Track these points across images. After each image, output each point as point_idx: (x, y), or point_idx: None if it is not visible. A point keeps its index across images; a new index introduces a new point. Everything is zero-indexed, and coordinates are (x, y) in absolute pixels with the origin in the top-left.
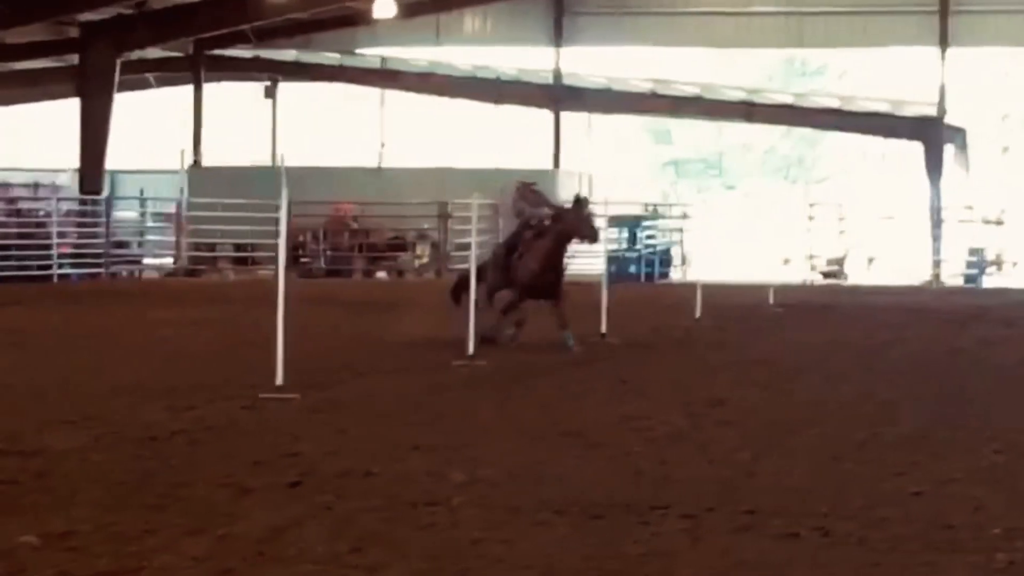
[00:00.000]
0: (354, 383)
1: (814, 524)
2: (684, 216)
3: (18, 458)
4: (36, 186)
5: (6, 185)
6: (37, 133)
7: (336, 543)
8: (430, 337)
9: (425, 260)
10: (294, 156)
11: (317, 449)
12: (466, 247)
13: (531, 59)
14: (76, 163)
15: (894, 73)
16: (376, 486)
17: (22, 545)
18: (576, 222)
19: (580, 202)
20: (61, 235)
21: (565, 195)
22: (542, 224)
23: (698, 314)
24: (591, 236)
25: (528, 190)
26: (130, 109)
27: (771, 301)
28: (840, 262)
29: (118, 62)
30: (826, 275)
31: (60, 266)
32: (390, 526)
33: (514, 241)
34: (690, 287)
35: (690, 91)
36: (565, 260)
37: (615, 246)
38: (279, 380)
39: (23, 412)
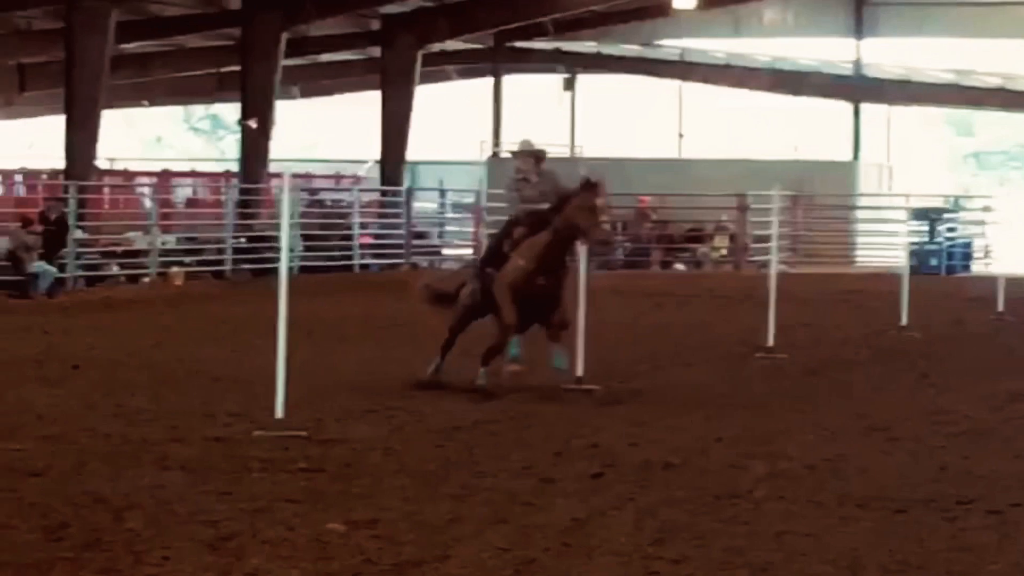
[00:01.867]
0: (653, 375)
1: None
2: (986, 209)
3: (323, 447)
4: (338, 177)
5: (308, 176)
6: (339, 125)
7: (639, 535)
8: (728, 330)
9: (723, 252)
10: (592, 148)
11: (618, 441)
12: (765, 239)
13: (830, 50)
14: (377, 154)
15: None
16: (677, 478)
17: (329, 532)
18: (576, 212)
19: (590, 187)
20: (362, 226)
21: (866, 187)
22: (538, 215)
23: (1001, 307)
24: (590, 232)
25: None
26: (430, 101)
27: None
28: None
29: (419, 54)
30: None
31: (361, 256)
32: (692, 518)
33: (501, 236)
34: (992, 280)
35: (992, 82)
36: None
37: (916, 239)
38: (580, 371)
39: (326, 402)
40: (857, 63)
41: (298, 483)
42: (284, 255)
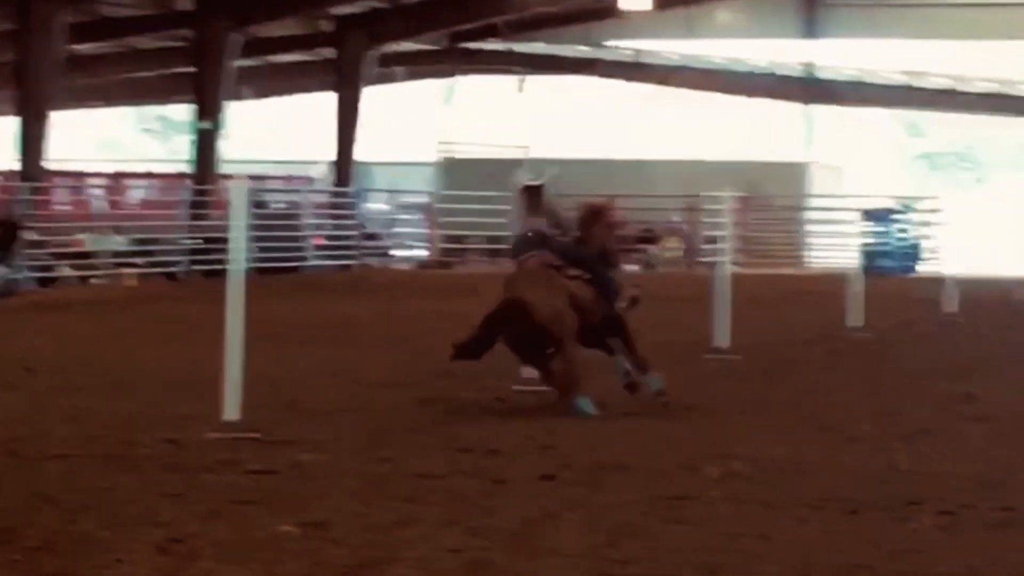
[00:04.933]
0: (605, 377)
1: None
2: (935, 210)
3: (276, 449)
4: (289, 178)
5: (261, 177)
6: (292, 126)
7: (591, 536)
8: (677, 331)
9: (675, 253)
10: (543, 148)
11: (570, 442)
12: (716, 240)
13: (783, 52)
14: (331, 156)
15: None
16: (630, 480)
17: (282, 535)
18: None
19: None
20: (316, 227)
21: (817, 188)
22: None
23: (950, 308)
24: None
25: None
26: (385, 101)
27: None
28: None
29: (373, 55)
30: None
31: (313, 258)
32: (644, 520)
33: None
34: (940, 281)
35: (943, 84)
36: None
37: (867, 239)
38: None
39: (279, 404)
40: (809, 65)
41: (250, 484)
42: (238, 256)
